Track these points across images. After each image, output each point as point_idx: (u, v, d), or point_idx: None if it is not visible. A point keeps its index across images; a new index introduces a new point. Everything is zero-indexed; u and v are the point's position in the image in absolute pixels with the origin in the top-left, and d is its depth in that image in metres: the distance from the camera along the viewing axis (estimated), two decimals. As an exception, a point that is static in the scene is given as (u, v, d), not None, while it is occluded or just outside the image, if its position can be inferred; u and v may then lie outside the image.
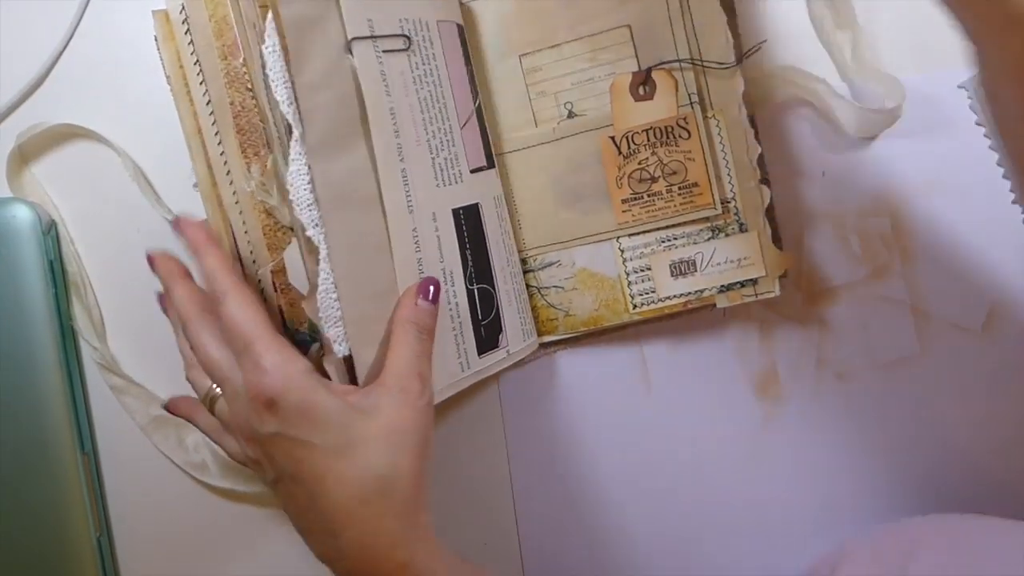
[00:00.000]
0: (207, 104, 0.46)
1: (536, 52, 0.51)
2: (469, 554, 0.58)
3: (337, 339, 0.41)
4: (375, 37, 0.43)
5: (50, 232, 0.53)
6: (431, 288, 0.44)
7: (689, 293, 0.51)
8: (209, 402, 0.44)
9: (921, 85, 0.54)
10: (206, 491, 0.55)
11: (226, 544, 0.55)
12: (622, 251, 0.52)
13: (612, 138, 0.51)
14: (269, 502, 0.56)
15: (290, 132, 0.40)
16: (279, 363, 0.38)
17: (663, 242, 0.51)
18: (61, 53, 0.55)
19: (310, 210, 0.40)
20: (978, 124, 0.54)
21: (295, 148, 0.40)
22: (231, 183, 0.46)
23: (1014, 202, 0.54)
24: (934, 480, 0.57)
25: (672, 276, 0.51)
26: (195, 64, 0.45)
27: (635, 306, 0.52)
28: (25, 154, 0.55)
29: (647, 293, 0.52)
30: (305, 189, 0.40)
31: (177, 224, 0.44)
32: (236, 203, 0.46)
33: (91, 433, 0.54)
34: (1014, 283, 0.54)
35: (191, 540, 0.55)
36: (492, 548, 0.58)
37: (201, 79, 0.45)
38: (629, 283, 0.52)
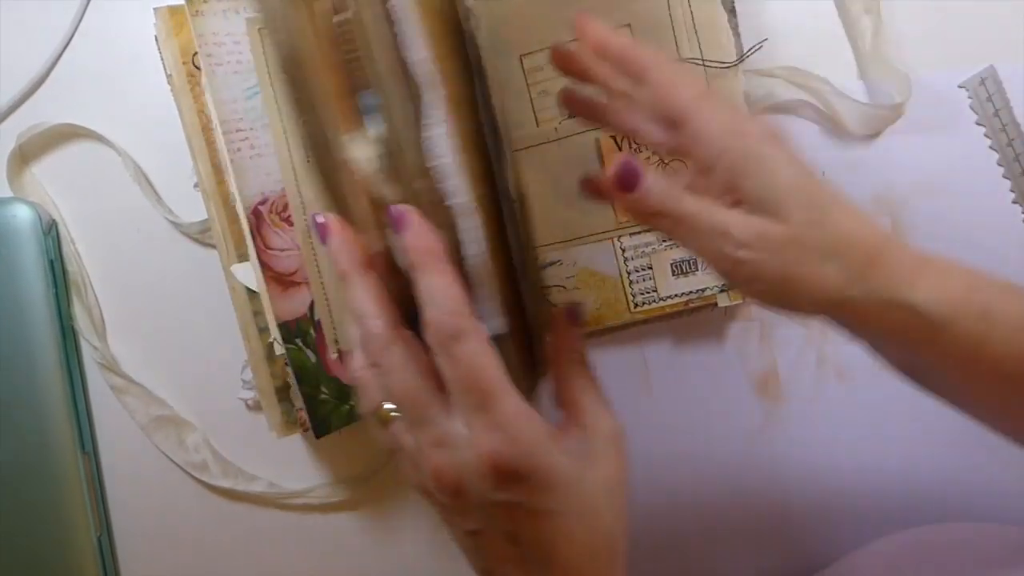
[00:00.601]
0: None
1: (537, 52, 0.51)
2: (469, 554, 0.58)
3: (491, 314, 0.37)
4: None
5: (50, 232, 0.53)
6: (579, 312, 0.40)
7: (690, 292, 0.51)
8: (380, 418, 0.37)
9: (922, 84, 0.54)
10: (206, 491, 0.55)
11: (226, 544, 0.55)
12: (623, 250, 0.52)
13: (613, 137, 0.51)
14: (269, 502, 0.56)
15: (418, 95, 0.36)
16: (526, 430, 0.33)
17: (664, 241, 0.51)
18: (62, 53, 0.55)
19: (456, 178, 0.36)
20: (979, 124, 0.54)
21: (434, 113, 0.35)
22: (332, 158, 0.40)
23: (1014, 202, 0.55)
24: (935, 480, 0.57)
25: (673, 275, 0.51)
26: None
27: (636, 305, 0.52)
28: (25, 154, 0.55)
29: (648, 292, 0.52)
30: (448, 155, 0.35)
31: (399, 221, 0.35)
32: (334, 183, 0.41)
33: (91, 433, 0.54)
34: (1014, 282, 0.54)
35: (191, 540, 0.55)
36: (492, 548, 0.58)
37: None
38: (630, 282, 0.52)
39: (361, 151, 0.38)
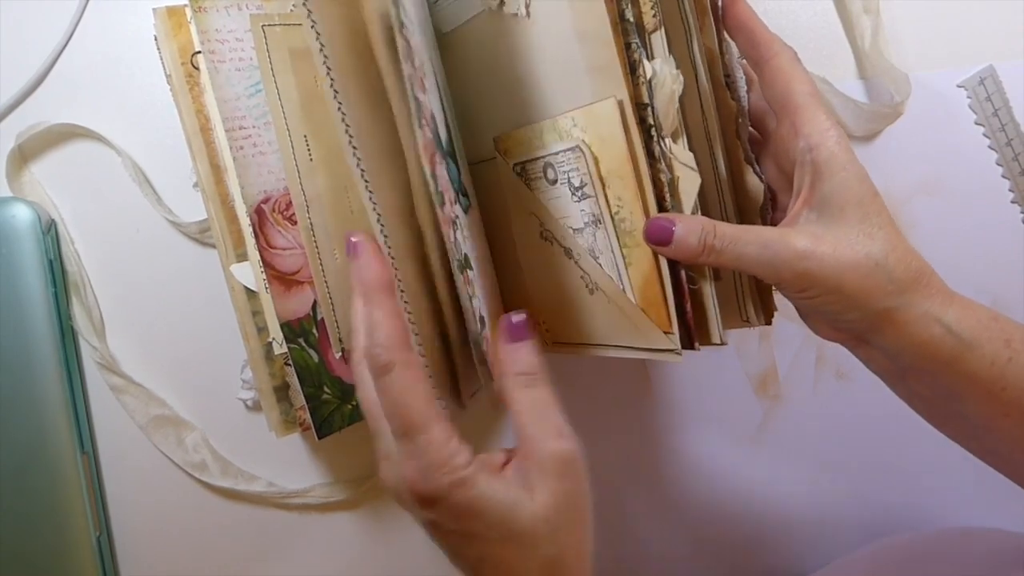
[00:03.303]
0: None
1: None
2: (469, 554, 0.58)
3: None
4: None
5: (50, 232, 0.53)
6: (517, 326, 0.40)
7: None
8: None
9: (921, 84, 0.54)
10: (206, 491, 0.55)
11: (225, 544, 0.55)
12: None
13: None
14: (268, 502, 0.56)
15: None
16: (442, 459, 0.35)
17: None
18: (61, 52, 0.55)
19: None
20: (978, 123, 0.54)
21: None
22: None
23: (1013, 201, 0.55)
24: (933, 479, 0.57)
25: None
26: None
27: (636, 305, 0.52)
28: (25, 154, 0.54)
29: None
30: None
31: (352, 248, 0.37)
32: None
33: (91, 433, 0.54)
34: (1014, 282, 0.54)
35: (191, 540, 0.55)
36: (492, 548, 0.58)
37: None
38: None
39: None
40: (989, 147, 0.54)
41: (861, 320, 0.37)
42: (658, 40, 0.40)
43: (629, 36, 0.39)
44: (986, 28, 0.54)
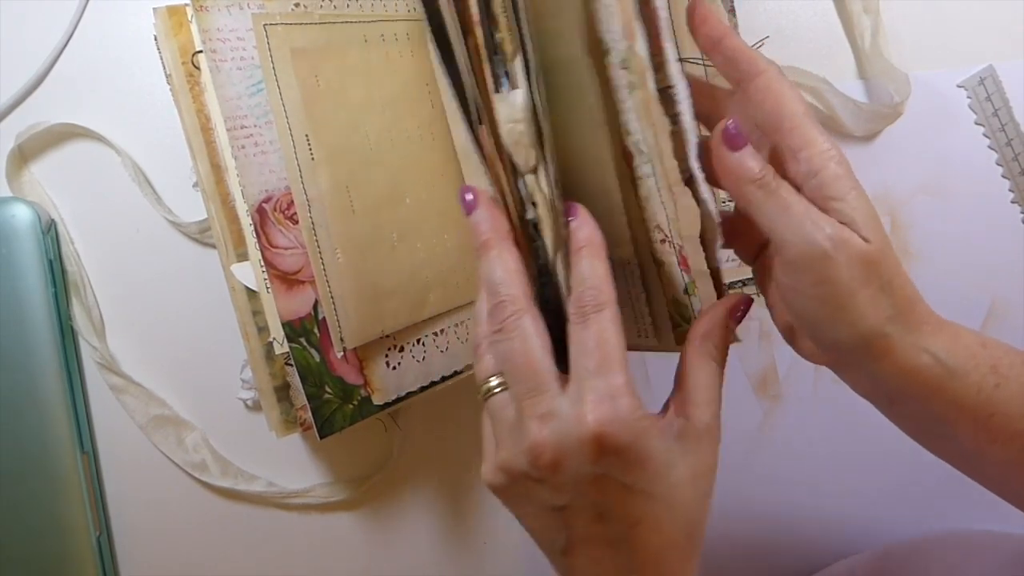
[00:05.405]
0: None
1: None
2: (469, 553, 0.58)
3: None
4: None
5: (50, 232, 0.53)
6: (743, 309, 0.40)
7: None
8: (485, 391, 0.39)
9: (921, 84, 0.54)
10: (206, 491, 0.55)
11: (226, 544, 0.55)
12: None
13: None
14: (268, 502, 0.56)
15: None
16: (632, 405, 0.35)
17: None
18: (61, 52, 0.55)
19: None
20: (978, 123, 0.54)
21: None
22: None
23: (1013, 201, 0.55)
24: (933, 479, 0.57)
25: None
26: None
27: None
28: (25, 154, 0.54)
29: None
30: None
31: (571, 210, 0.39)
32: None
33: (91, 433, 0.54)
34: (1014, 282, 0.55)
35: (191, 540, 0.55)
36: (492, 547, 0.58)
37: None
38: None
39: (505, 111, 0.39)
40: (989, 147, 0.54)
41: (850, 339, 0.37)
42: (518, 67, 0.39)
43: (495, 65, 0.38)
44: (986, 28, 0.54)
